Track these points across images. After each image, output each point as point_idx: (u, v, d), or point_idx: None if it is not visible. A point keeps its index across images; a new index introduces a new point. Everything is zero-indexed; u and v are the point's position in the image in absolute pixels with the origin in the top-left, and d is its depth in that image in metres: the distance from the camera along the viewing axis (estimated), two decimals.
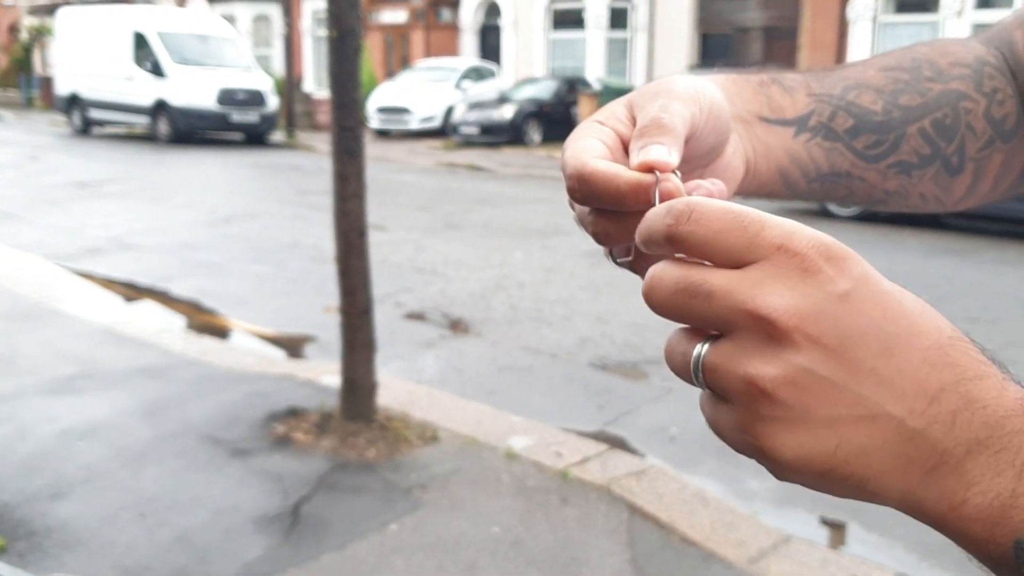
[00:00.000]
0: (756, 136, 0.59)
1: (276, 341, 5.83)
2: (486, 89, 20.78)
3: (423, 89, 20.66)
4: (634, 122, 0.51)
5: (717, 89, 0.56)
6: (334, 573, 2.91)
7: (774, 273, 0.39)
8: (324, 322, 5.66)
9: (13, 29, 35.15)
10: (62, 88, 21.03)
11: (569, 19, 23.07)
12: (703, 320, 0.41)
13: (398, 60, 25.51)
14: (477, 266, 7.66)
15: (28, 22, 32.33)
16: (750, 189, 0.60)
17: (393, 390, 4.36)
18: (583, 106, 17.52)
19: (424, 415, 4.15)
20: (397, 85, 21.21)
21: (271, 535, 3.13)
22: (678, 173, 0.46)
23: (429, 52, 24.51)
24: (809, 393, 0.39)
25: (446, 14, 25.22)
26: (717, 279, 0.40)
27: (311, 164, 15.23)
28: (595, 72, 21.79)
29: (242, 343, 5.83)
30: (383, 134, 20.55)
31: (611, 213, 0.48)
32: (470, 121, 18.61)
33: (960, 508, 0.39)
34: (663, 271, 0.42)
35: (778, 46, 20.37)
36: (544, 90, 19.42)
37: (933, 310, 0.42)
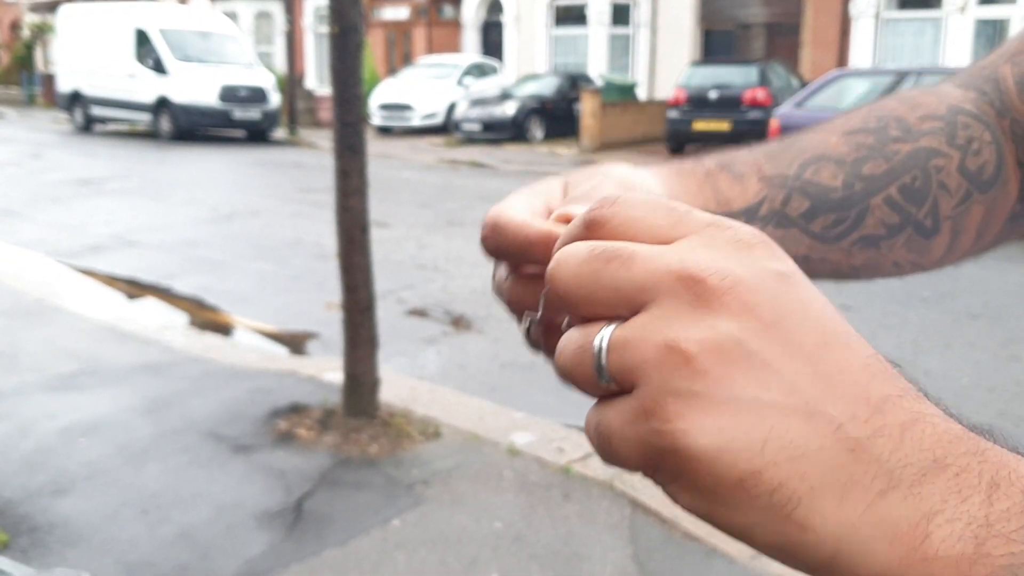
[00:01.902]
0: None
1: (278, 338, 5.83)
2: (488, 86, 20.76)
3: (425, 86, 20.66)
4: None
5: (658, 184, 0.53)
6: (336, 569, 2.91)
7: (706, 242, 0.34)
8: (326, 319, 5.66)
9: (15, 26, 35.17)
10: (64, 85, 21.04)
11: (571, 15, 23.06)
12: (617, 291, 0.34)
13: (400, 57, 25.51)
14: (479, 263, 7.65)
15: (30, 19, 32.35)
16: None
17: (395, 386, 4.36)
18: (585, 102, 17.51)
19: (426, 411, 4.15)
20: (399, 82, 21.20)
21: (273, 531, 3.14)
22: None
23: (431, 49, 24.51)
24: (736, 366, 0.32)
25: (448, 11, 25.21)
26: (641, 247, 0.35)
27: (313, 161, 15.24)
28: (597, 68, 21.78)
29: (244, 340, 5.83)
30: (385, 131, 20.55)
31: (528, 279, 0.45)
32: (472, 118, 18.60)
33: (922, 547, 0.31)
34: (576, 244, 0.36)
35: (780, 43, 20.35)
36: (546, 87, 19.41)
37: None
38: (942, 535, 0.31)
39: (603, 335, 0.34)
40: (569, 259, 0.35)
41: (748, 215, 0.57)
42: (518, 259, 0.45)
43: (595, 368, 0.34)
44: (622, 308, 0.34)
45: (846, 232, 0.59)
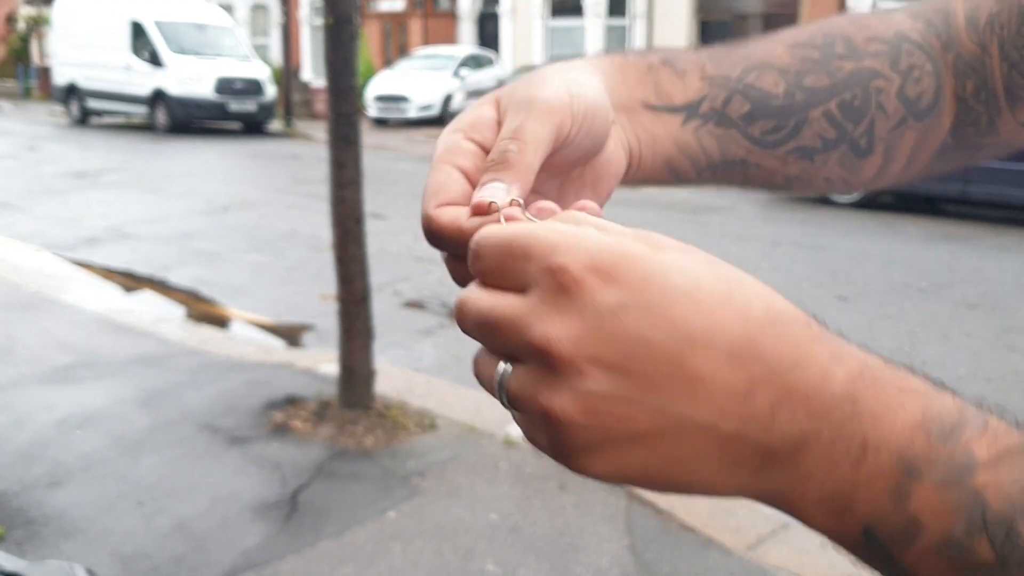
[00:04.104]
0: (641, 126, 0.56)
1: (274, 330, 5.82)
2: (484, 77, 20.71)
3: (421, 77, 20.60)
4: (500, 129, 0.49)
5: (598, 81, 0.53)
6: (332, 560, 2.91)
7: (544, 297, 0.38)
8: (322, 311, 5.65)
9: (10, 19, 35.03)
10: (60, 78, 20.95)
11: (567, 7, 23.00)
12: (501, 351, 0.40)
13: (396, 48, 25.44)
14: None
15: (25, 12, 32.21)
16: (636, 180, 0.57)
17: (391, 378, 4.35)
18: None
19: (422, 403, 4.14)
20: (395, 73, 21.14)
21: (269, 523, 3.13)
22: (521, 203, 0.45)
23: (427, 40, 24.45)
24: (606, 415, 0.37)
25: (444, 2, 25.14)
26: (503, 310, 0.39)
27: (309, 153, 15.20)
28: None
29: (240, 332, 5.82)
30: (381, 123, 20.50)
31: (461, 257, 0.47)
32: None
33: (801, 500, 0.38)
34: (467, 299, 0.41)
35: None
36: None
37: (747, 287, 0.38)
38: (816, 496, 0.37)
39: (500, 380, 0.40)
40: (464, 319, 0.41)
41: (689, 111, 0.57)
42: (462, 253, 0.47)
43: (501, 401, 0.41)
44: (509, 357, 0.40)
45: (784, 140, 0.60)
